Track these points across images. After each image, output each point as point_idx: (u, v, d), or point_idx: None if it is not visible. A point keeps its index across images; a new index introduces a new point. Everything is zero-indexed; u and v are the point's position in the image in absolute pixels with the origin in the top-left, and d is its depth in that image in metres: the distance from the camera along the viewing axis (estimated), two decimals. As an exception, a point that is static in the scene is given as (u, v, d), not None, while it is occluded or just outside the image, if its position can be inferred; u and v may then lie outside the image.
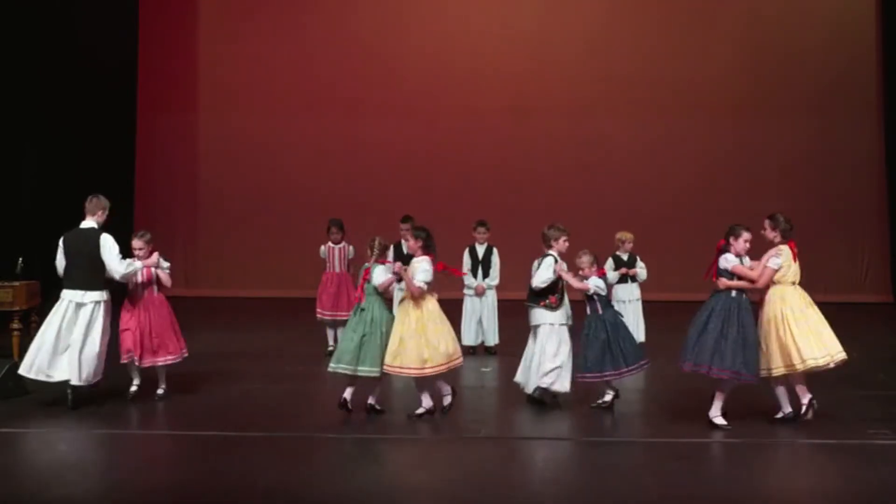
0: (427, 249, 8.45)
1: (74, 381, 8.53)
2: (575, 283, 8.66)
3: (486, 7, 17.65)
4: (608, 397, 8.68)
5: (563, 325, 8.73)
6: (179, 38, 17.89)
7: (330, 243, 11.49)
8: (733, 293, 8.09)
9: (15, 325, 10.06)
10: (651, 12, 17.44)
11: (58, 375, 8.57)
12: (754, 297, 8.25)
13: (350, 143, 17.58)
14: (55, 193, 15.74)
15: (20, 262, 9.97)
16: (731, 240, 8.16)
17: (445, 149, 17.47)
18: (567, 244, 8.76)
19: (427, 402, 8.38)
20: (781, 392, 8.19)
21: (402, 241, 11.57)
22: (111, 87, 16.65)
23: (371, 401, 8.37)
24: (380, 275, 8.35)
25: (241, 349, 12.01)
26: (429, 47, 17.56)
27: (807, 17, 17.30)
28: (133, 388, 8.93)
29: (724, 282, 8.10)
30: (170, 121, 17.75)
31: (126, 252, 8.89)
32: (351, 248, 11.40)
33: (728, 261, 8.12)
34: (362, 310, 8.32)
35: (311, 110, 17.64)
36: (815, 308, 8.22)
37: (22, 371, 8.68)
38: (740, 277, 8.09)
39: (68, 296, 8.62)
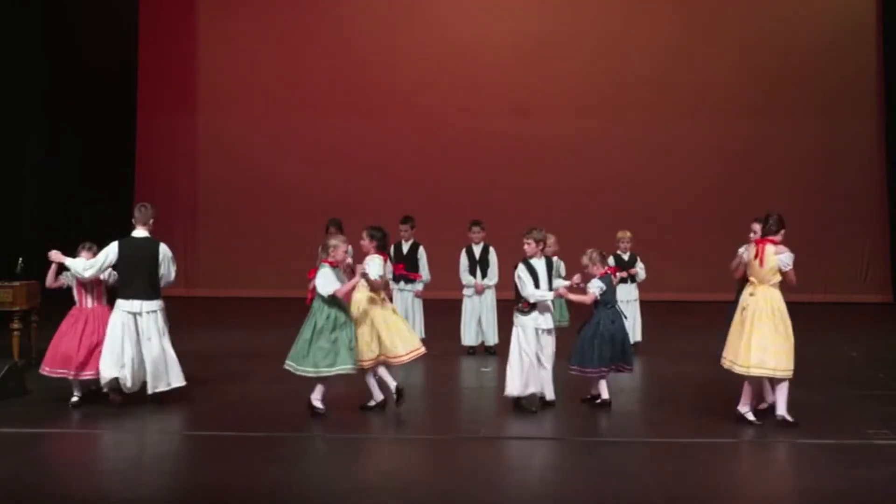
0: (381, 250, 8.69)
1: (179, 384, 8.69)
2: (579, 298, 8.66)
3: (486, 8, 17.64)
4: (600, 393, 8.66)
5: (534, 328, 8.47)
6: (179, 39, 17.88)
7: (329, 243, 11.47)
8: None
9: (15, 325, 10.05)
10: (653, 15, 17.42)
11: (150, 388, 8.57)
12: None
13: (350, 143, 17.57)
14: (55, 193, 15.77)
15: (20, 262, 9.96)
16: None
17: (446, 149, 17.46)
18: (528, 247, 8.54)
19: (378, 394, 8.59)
20: (766, 386, 8.24)
21: (402, 242, 11.59)
22: (111, 88, 16.66)
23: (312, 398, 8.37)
24: (329, 279, 8.27)
25: (241, 349, 12.01)
26: (429, 47, 17.55)
27: (809, 20, 17.29)
28: (74, 399, 8.71)
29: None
30: (169, 121, 17.75)
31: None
32: (349, 247, 11.38)
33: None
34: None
35: (311, 110, 17.63)
36: (750, 312, 7.95)
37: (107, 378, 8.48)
38: None
39: (126, 306, 8.48)
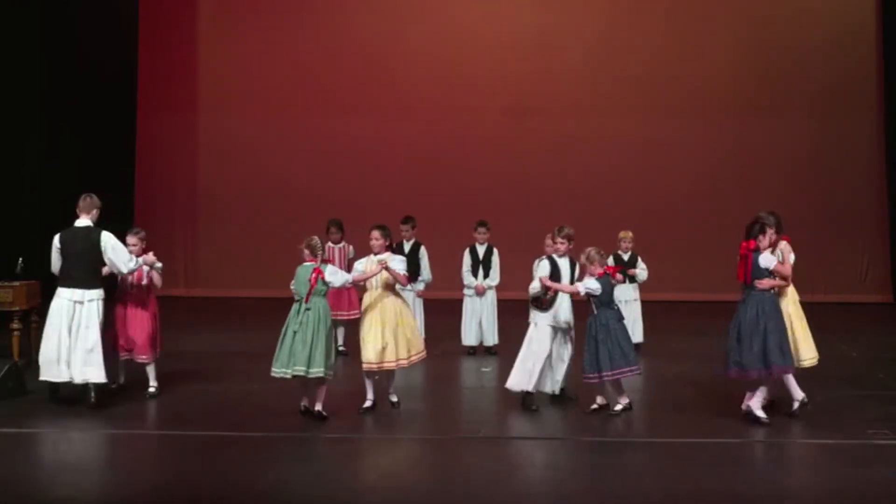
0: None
1: (99, 380, 8.48)
2: (565, 288, 8.54)
3: (486, 8, 17.65)
4: (619, 407, 8.47)
5: (550, 325, 8.55)
6: (179, 39, 17.88)
7: (329, 243, 11.49)
8: (772, 290, 8.10)
9: (15, 325, 10.03)
10: (651, 13, 17.42)
11: (80, 377, 8.46)
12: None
13: (350, 143, 17.56)
14: (55, 193, 15.72)
15: (20, 262, 9.96)
16: (761, 237, 8.05)
17: (445, 149, 17.46)
18: (562, 246, 8.61)
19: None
20: (793, 384, 8.20)
21: (403, 242, 11.59)
22: (111, 88, 16.65)
23: (318, 406, 8.25)
24: (335, 274, 8.77)
25: (241, 349, 11.99)
26: (429, 47, 17.55)
27: (808, 19, 17.28)
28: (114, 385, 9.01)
29: (767, 282, 8.00)
30: (170, 121, 17.73)
31: None
32: (350, 247, 11.42)
33: (769, 260, 8.05)
34: (307, 309, 8.52)
35: (312, 110, 17.63)
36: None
37: (44, 377, 8.54)
38: (780, 275, 8.12)
39: (67, 295, 8.48)
